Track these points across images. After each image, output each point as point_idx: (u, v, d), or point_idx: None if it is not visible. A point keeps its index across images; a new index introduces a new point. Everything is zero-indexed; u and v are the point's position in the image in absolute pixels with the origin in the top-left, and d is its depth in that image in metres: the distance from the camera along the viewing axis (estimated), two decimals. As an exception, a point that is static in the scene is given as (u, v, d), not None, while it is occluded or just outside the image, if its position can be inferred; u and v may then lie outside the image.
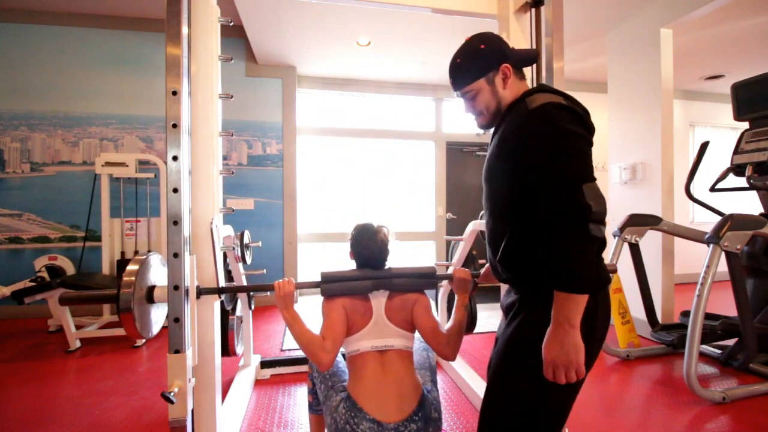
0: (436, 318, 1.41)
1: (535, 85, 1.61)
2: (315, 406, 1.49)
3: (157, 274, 1.41)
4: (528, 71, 1.51)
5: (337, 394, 1.32)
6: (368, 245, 1.46)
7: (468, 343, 2.94)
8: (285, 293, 1.35)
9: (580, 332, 0.84)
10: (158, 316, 1.41)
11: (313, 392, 1.49)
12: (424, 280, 1.46)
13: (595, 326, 0.94)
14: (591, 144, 0.91)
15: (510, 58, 1.04)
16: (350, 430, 1.23)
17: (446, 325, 1.38)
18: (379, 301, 1.40)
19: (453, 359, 1.38)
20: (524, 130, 0.92)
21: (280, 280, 1.37)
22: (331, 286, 1.40)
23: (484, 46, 1.03)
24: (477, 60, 1.03)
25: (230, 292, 1.47)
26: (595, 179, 0.85)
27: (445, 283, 2.48)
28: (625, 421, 1.92)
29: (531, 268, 0.95)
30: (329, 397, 1.34)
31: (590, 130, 0.93)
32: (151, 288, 1.33)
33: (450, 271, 1.70)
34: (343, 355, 1.42)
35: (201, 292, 1.39)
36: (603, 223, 0.83)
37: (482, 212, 1.14)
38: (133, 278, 1.26)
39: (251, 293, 2.29)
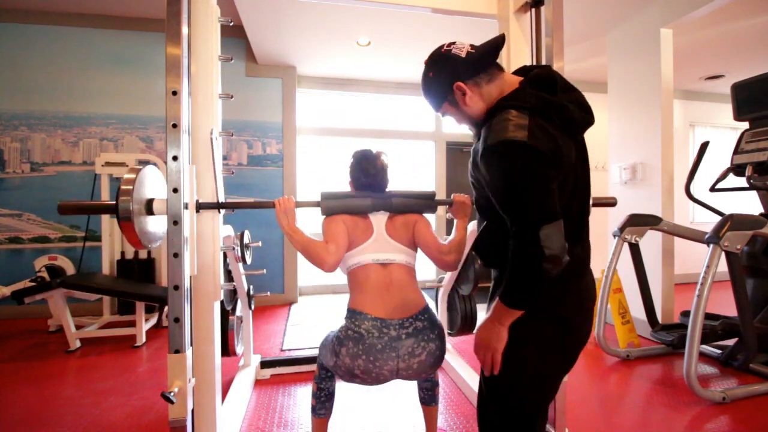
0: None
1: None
2: (318, 410, 1.49)
3: (155, 186, 1.42)
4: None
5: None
6: (368, 170, 1.46)
7: (468, 343, 2.94)
8: (286, 208, 1.39)
9: (507, 329, 0.92)
10: (158, 227, 1.42)
11: (316, 396, 1.48)
12: (423, 201, 1.47)
13: (566, 315, 0.95)
14: (555, 177, 0.84)
15: (461, 73, 0.95)
16: (353, 335, 1.23)
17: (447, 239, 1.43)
18: (379, 220, 1.42)
19: (455, 268, 1.41)
20: (484, 164, 0.89)
21: (280, 198, 1.41)
22: (330, 203, 1.41)
23: (432, 73, 0.99)
24: (432, 89, 1.02)
25: (229, 207, 1.49)
26: (556, 217, 0.82)
27: (444, 283, 2.48)
28: (625, 421, 1.92)
29: (498, 258, 1.01)
30: (329, 338, 1.35)
31: (556, 157, 0.85)
32: (150, 200, 1.35)
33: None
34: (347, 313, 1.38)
35: (200, 206, 1.40)
36: (559, 263, 0.83)
37: None
38: (131, 187, 1.26)
39: (251, 291, 2.30)
